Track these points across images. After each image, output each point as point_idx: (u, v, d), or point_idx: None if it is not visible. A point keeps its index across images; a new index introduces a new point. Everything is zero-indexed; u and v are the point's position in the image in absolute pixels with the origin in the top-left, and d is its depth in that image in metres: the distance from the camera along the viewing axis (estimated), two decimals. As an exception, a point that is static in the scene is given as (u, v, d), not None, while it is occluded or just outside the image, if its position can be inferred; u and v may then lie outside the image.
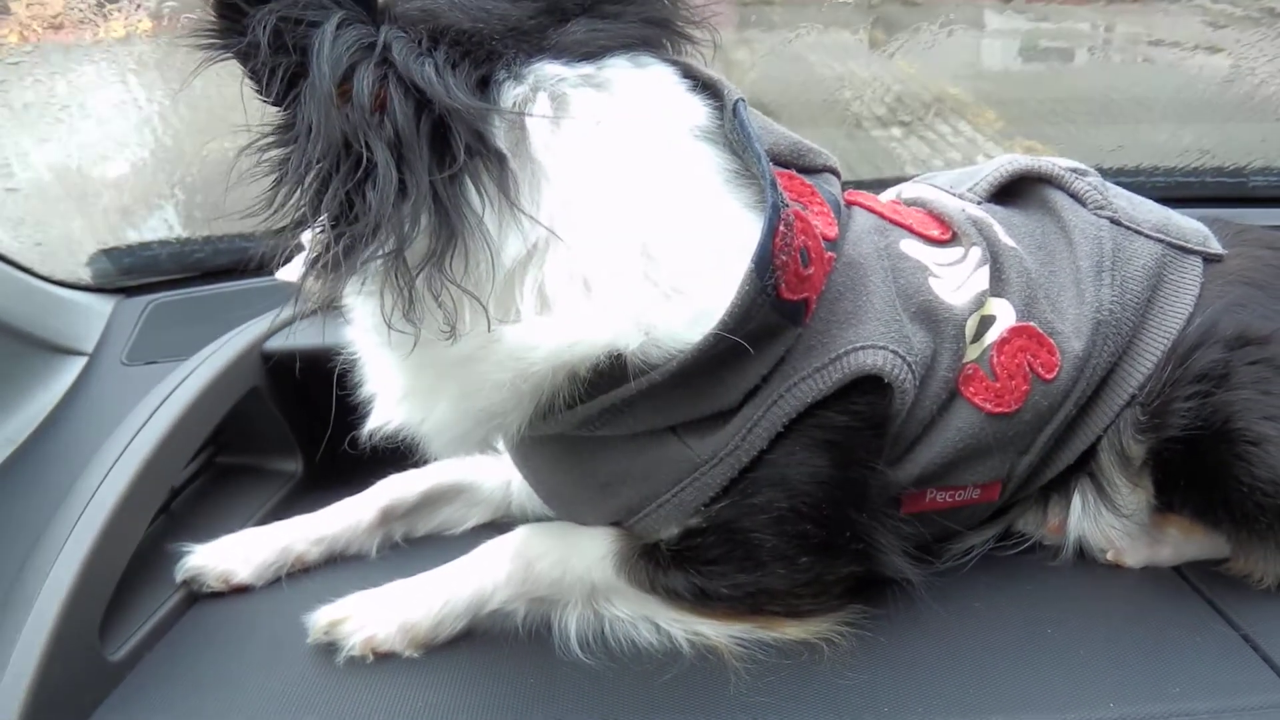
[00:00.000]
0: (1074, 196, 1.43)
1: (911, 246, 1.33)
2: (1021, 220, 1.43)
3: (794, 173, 1.32)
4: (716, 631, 1.26)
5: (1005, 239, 1.37)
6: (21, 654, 1.18)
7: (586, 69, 1.16)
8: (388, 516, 1.53)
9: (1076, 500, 1.40)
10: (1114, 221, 1.40)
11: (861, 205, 1.37)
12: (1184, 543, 1.39)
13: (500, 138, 1.10)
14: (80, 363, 1.94)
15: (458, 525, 1.57)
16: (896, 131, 3.92)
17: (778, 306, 1.15)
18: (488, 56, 1.12)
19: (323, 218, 1.06)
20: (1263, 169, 2.29)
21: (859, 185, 2.52)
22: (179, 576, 1.44)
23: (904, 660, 1.23)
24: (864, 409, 1.23)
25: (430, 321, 1.10)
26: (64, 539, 1.30)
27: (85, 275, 2.13)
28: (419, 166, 1.03)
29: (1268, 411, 1.26)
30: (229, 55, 1.04)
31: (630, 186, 1.14)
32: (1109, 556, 1.40)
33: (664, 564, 1.28)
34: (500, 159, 1.09)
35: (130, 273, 2.17)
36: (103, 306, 2.06)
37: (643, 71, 1.20)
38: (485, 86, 1.11)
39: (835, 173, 1.37)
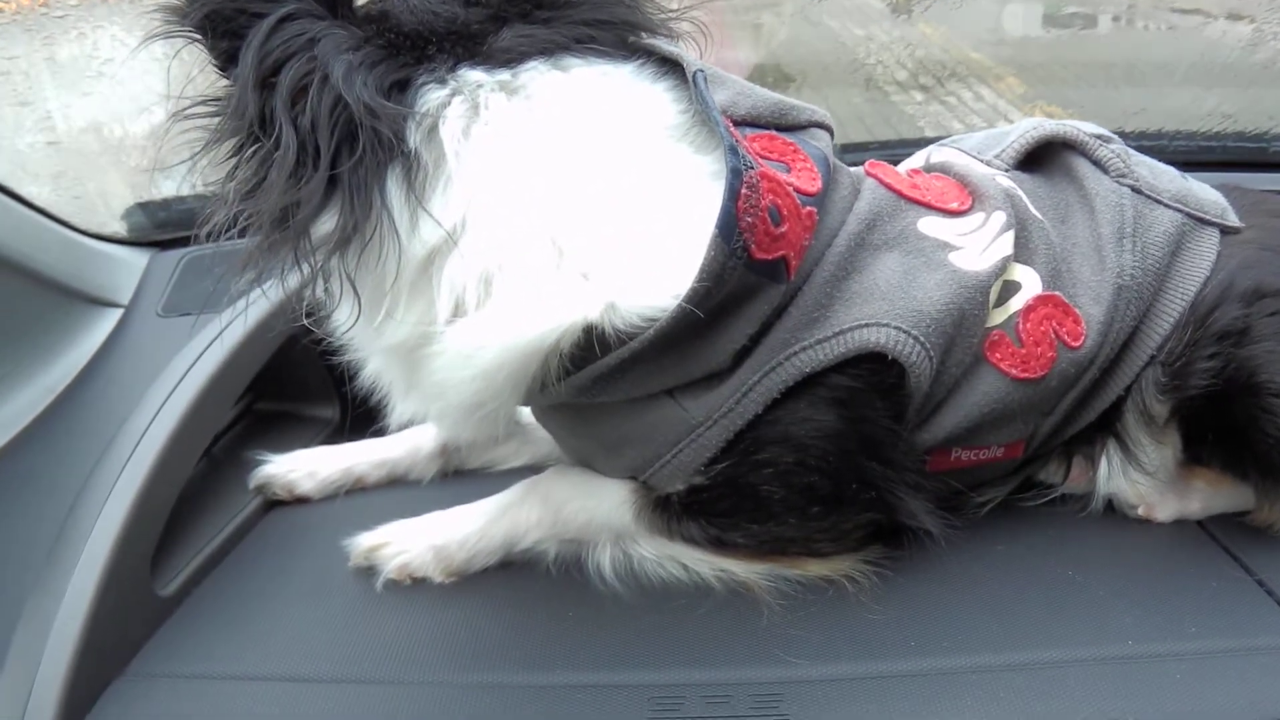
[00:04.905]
0: (1097, 163, 1.44)
1: (930, 224, 1.33)
2: (1046, 191, 1.44)
3: (774, 133, 1.32)
4: (743, 569, 1.30)
5: (1033, 210, 1.38)
6: (76, 589, 1.22)
7: (504, 75, 1.20)
8: (448, 447, 1.59)
9: (1103, 462, 1.41)
10: (1135, 190, 1.41)
11: (879, 180, 1.36)
12: (1212, 495, 1.41)
13: (415, 138, 1.15)
14: (116, 314, 1.97)
15: (509, 462, 1.62)
16: (918, 96, 3.90)
17: (752, 266, 1.16)
18: (417, 60, 1.18)
19: (232, 185, 1.14)
20: (1284, 134, 2.29)
21: (882, 146, 2.52)
22: (252, 483, 1.54)
23: (928, 598, 1.27)
24: (866, 374, 1.24)
25: (343, 305, 1.20)
26: (115, 478, 1.34)
27: (121, 229, 2.14)
28: (323, 152, 1.10)
29: (1290, 362, 1.28)
30: (181, 34, 1.14)
31: (538, 182, 1.18)
32: (1140, 512, 1.41)
33: (678, 514, 1.31)
34: (408, 159, 1.14)
35: (165, 226, 2.18)
36: (138, 259, 2.08)
37: (563, 74, 1.22)
38: (405, 88, 1.16)
39: (824, 126, 1.37)
